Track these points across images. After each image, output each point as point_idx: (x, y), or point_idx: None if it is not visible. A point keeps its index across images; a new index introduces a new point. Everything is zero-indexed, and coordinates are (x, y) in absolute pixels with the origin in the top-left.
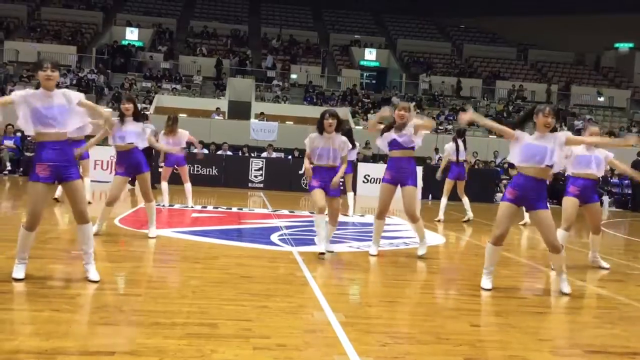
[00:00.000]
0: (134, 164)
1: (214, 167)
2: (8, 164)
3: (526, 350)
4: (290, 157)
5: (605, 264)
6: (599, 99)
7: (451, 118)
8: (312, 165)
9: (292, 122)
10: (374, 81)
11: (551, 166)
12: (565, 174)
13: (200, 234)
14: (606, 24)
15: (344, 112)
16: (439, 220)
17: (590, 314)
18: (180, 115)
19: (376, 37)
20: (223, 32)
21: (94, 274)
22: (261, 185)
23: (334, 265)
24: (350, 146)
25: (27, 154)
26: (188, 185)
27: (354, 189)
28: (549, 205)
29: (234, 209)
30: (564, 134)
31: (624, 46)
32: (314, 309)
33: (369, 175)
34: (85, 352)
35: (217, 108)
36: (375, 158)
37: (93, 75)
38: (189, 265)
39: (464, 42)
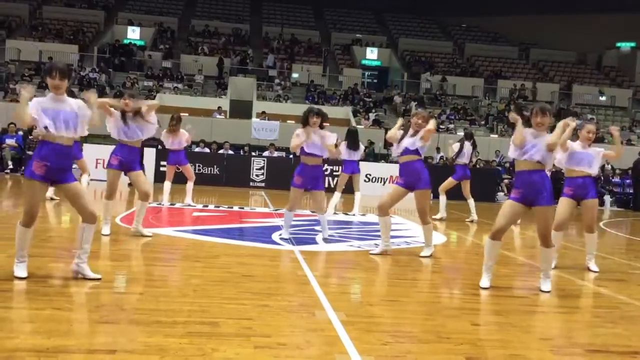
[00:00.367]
0: (129, 160)
1: (215, 166)
2: (10, 162)
3: (527, 349)
4: (291, 156)
5: (594, 267)
6: (600, 98)
7: (452, 117)
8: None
9: (293, 122)
10: (375, 80)
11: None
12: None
13: (201, 233)
14: (608, 23)
15: (345, 111)
16: (441, 219)
17: (591, 313)
18: (182, 114)
19: (377, 36)
20: (224, 31)
21: (91, 272)
22: (262, 184)
23: (335, 264)
24: (334, 135)
25: (29, 152)
26: (190, 184)
27: None
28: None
29: (235, 208)
30: (548, 137)
31: (625, 45)
32: (315, 308)
33: (370, 175)
34: (86, 350)
35: (219, 107)
36: (377, 157)
37: (95, 74)
38: (190, 264)
39: (466, 42)
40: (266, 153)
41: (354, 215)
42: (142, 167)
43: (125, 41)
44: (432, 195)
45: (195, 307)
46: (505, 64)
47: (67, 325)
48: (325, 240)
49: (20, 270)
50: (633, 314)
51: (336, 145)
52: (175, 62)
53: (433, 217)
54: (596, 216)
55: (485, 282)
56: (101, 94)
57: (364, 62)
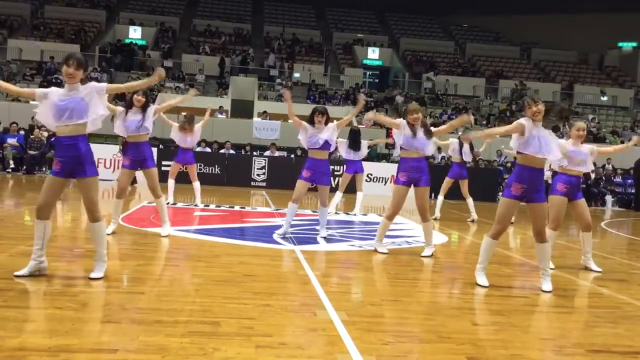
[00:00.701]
0: (141, 157)
1: (216, 166)
2: (11, 162)
3: (528, 349)
4: (292, 155)
5: (596, 267)
6: (602, 98)
7: (454, 117)
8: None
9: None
10: (376, 80)
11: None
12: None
13: (203, 233)
14: (610, 23)
15: (346, 111)
16: (435, 218)
17: (593, 313)
18: (183, 113)
19: (379, 36)
20: (226, 31)
21: (93, 272)
22: (264, 183)
23: (336, 263)
24: (336, 129)
25: (31, 152)
26: (197, 184)
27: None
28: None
29: (237, 208)
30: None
31: (627, 45)
32: (316, 308)
33: (371, 174)
34: (88, 349)
35: (220, 107)
36: (378, 157)
37: (96, 74)
38: (191, 264)
39: (467, 41)
40: (267, 153)
41: (355, 215)
42: (155, 163)
43: (127, 41)
44: (434, 195)
45: (196, 306)
46: (507, 64)
47: (69, 325)
48: (325, 239)
49: (24, 270)
50: (634, 314)
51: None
52: (176, 61)
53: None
54: None
55: (485, 280)
56: None
57: (365, 61)
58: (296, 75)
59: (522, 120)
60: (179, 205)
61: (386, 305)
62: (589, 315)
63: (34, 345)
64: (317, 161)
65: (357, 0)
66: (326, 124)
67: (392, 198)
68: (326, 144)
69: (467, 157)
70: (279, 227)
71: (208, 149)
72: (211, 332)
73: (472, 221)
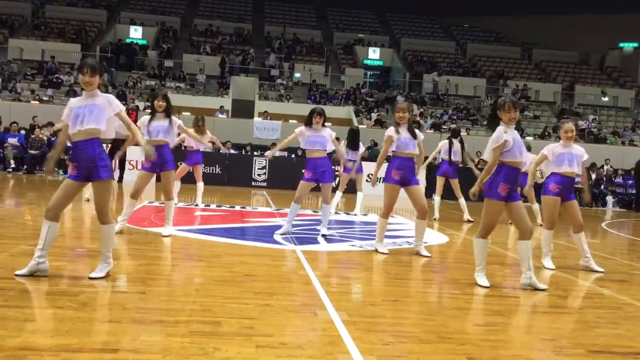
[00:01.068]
0: (161, 160)
1: (217, 166)
2: (12, 161)
3: (529, 349)
4: (293, 155)
5: (597, 267)
6: (603, 98)
7: (455, 118)
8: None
9: (295, 121)
10: (377, 80)
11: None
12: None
13: (203, 232)
14: (611, 24)
15: (347, 111)
16: (434, 219)
17: (593, 313)
18: (184, 113)
19: (380, 36)
20: (227, 31)
21: (94, 272)
22: (264, 183)
23: (336, 264)
24: (334, 135)
25: (31, 151)
26: (201, 184)
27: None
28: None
29: (237, 208)
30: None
31: (628, 46)
32: (316, 308)
33: (372, 175)
34: (88, 349)
35: (221, 106)
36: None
37: None
38: (192, 264)
39: (468, 42)
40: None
41: (355, 215)
42: (174, 166)
43: (128, 40)
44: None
45: (197, 306)
46: (508, 64)
47: (69, 324)
48: (326, 238)
49: (24, 269)
50: (635, 315)
51: (338, 139)
52: (177, 61)
53: (432, 218)
54: None
55: (485, 280)
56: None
57: (366, 61)
58: (297, 75)
59: (508, 137)
60: (180, 205)
61: (387, 306)
62: (589, 316)
63: (34, 344)
64: (318, 160)
65: (358, 0)
66: (323, 124)
67: (384, 196)
68: (324, 144)
69: (456, 157)
70: (279, 227)
71: (208, 149)
72: (212, 331)
73: (469, 221)
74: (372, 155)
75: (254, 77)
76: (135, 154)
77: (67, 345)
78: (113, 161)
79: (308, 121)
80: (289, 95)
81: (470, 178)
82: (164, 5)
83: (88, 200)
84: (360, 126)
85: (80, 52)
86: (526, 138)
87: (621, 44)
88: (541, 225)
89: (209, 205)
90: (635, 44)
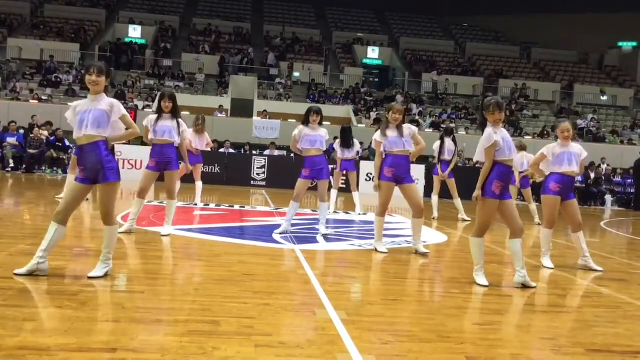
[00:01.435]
0: (166, 160)
1: (216, 165)
2: (11, 161)
3: (528, 348)
4: (292, 155)
5: (596, 266)
6: (602, 97)
7: (454, 117)
8: (301, 154)
9: (294, 120)
10: (376, 79)
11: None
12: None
13: (202, 232)
14: (610, 23)
15: (346, 110)
16: (434, 218)
17: (593, 312)
18: (183, 113)
19: (379, 35)
20: (226, 30)
21: (93, 271)
22: (263, 183)
23: (336, 263)
24: (328, 137)
25: (30, 151)
26: (200, 184)
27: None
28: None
29: (237, 207)
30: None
31: (627, 45)
32: (315, 307)
33: (371, 174)
34: (87, 349)
35: (220, 106)
36: None
37: None
38: (191, 263)
39: (467, 41)
40: (267, 152)
41: (358, 214)
42: (179, 165)
43: (127, 40)
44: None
45: (196, 305)
46: (507, 64)
47: (68, 324)
48: (325, 237)
49: (23, 269)
50: (634, 314)
51: (336, 138)
52: (176, 60)
53: (431, 217)
54: None
55: (485, 279)
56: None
57: (365, 61)
58: (296, 74)
59: (497, 138)
60: (179, 204)
61: (386, 305)
62: (588, 315)
63: (33, 344)
64: (315, 158)
65: None
66: (320, 123)
67: (379, 194)
68: (323, 143)
69: (449, 155)
70: (278, 226)
71: (208, 148)
72: (211, 331)
73: (463, 220)
74: (371, 153)
75: (253, 76)
76: (135, 154)
77: (66, 344)
78: None
79: (305, 120)
80: (288, 94)
81: (465, 178)
82: (163, 5)
83: (87, 199)
84: (360, 125)
85: (79, 51)
86: (525, 137)
87: (620, 43)
88: (539, 224)
89: (208, 205)
90: (634, 43)
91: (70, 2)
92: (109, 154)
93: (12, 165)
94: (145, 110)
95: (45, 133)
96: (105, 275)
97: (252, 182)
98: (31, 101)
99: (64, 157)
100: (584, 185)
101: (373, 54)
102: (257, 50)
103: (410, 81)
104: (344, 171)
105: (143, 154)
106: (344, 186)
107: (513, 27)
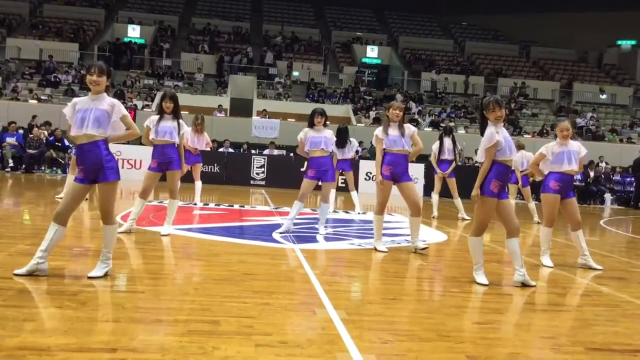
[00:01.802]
0: (167, 160)
1: (215, 165)
2: (10, 161)
3: (528, 347)
4: (292, 154)
5: (596, 265)
6: (601, 96)
7: (453, 116)
8: (307, 155)
9: (293, 120)
10: (371, 78)
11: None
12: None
13: (202, 231)
14: (609, 21)
15: (345, 109)
16: (433, 217)
17: (592, 311)
18: (182, 112)
19: (378, 34)
20: (225, 30)
21: (93, 271)
22: (263, 182)
23: (335, 262)
24: (334, 139)
25: (30, 151)
26: (199, 183)
27: (356, 187)
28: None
29: (236, 206)
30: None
31: (626, 43)
32: (315, 306)
33: (370, 173)
34: (87, 348)
35: (219, 105)
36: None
37: None
38: (191, 263)
39: (466, 40)
40: (266, 151)
41: (358, 213)
42: (180, 166)
43: (126, 39)
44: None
45: (196, 305)
46: (506, 62)
47: (68, 324)
48: (325, 237)
49: (22, 269)
50: (634, 312)
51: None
52: (175, 60)
53: (431, 216)
54: None
55: (485, 278)
56: None
57: (364, 60)
58: (295, 73)
59: (499, 138)
60: (179, 204)
61: (385, 304)
62: (588, 314)
63: (33, 344)
64: (320, 159)
65: None
66: (324, 124)
67: (377, 193)
68: (328, 144)
69: (449, 155)
70: (278, 225)
71: (207, 148)
72: (211, 331)
73: (463, 219)
74: (371, 153)
75: (252, 75)
76: (134, 154)
77: (66, 344)
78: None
79: (310, 122)
80: (287, 93)
81: (464, 177)
82: (162, 4)
83: (87, 199)
84: (359, 124)
85: (78, 51)
86: (524, 136)
87: (619, 42)
88: (538, 223)
89: (207, 204)
90: (634, 42)
91: (69, 1)
92: (109, 153)
93: (11, 165)
94: (145, 110)
95: (45, 133)
96: (105, 275)
97: (251, 182)
98: (30, 101)
99: (63, 158)
100: (583, 184)
101: (372, 53)
102: (256, 49)
103: (409, 80)
104: (340, 170)
105: (142, 153)
106: (343, 185)
107: (512, 25)
